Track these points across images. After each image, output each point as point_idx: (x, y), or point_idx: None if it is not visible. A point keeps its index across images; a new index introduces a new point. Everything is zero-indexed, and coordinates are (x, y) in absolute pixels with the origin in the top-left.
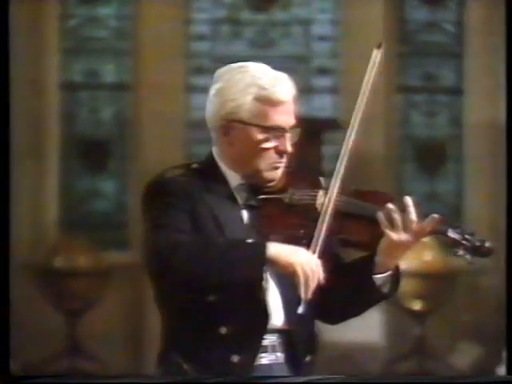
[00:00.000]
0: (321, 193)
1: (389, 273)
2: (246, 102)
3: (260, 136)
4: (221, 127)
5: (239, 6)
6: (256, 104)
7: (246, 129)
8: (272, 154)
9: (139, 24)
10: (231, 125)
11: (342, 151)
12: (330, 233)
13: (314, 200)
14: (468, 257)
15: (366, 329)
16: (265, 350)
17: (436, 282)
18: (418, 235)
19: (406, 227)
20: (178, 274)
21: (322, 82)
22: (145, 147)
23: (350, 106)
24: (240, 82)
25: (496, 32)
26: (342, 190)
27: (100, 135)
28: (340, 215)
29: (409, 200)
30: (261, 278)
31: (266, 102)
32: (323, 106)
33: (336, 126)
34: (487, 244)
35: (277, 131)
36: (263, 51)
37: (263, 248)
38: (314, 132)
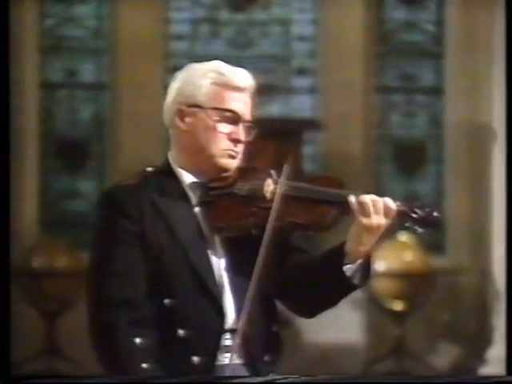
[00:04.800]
0: (269, 181)
1: (359, 262)
2: (203, 85)
3: (215, 119)
4: (177, 113)
5: (218, 5)
6: (213, 87)
7: (202, 112)
8: (226, 141)
9: (117, 23)
10: (187, 110)
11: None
12: (279, 217)
13: (262, 187)
14: (417, 228)
15: (346, 329)
16: (225, 350)
17: (416, 283)
18: (386, 216)
19: (376, 211)
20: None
21: (302, 82)
22: (123, 147)
23: (329, 106)
24: (200, 69)
25: (475, 32)
26: (293, 177)
27: (78, 135)
28: (288, 200)
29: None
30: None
31: (224, 86)
32: (302, 107)
33: (315, 126)
34: (435, 214)
35: (232, 116)
36: (242, 51)
37: None
38: (294, 132)
